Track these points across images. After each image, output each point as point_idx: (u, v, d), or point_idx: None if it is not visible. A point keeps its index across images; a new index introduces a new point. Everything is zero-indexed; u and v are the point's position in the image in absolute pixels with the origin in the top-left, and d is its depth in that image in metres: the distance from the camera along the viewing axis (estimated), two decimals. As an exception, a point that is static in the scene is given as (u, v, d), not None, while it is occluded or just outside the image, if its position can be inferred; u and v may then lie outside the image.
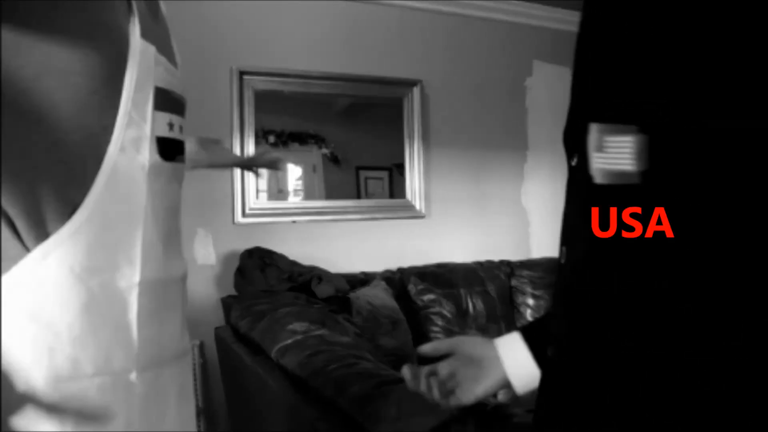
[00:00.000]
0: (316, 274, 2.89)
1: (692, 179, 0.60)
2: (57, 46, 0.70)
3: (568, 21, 4.09)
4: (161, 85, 0.81)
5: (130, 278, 0.78)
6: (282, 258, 3.01)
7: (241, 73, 3.26)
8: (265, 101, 3.35)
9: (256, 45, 3.32)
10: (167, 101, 0.83)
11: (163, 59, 0.81)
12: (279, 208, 3.40)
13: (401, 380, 1.70)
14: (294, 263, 3.01)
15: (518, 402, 2.61)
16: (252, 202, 3.30)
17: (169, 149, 0.83)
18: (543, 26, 4.09)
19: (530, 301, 3.63)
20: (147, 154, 0.78)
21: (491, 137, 3.97)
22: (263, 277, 2.82)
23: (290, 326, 2.13)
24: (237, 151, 3.24)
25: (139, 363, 0.79)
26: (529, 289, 3.64)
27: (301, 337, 2.05)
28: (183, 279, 0.92)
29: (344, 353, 1.87)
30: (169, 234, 0.86)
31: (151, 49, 0.79)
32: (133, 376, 0.78)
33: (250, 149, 3.29)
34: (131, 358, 0.78)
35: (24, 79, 0.69)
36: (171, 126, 0.84)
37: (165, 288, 0.85)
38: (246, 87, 3.28)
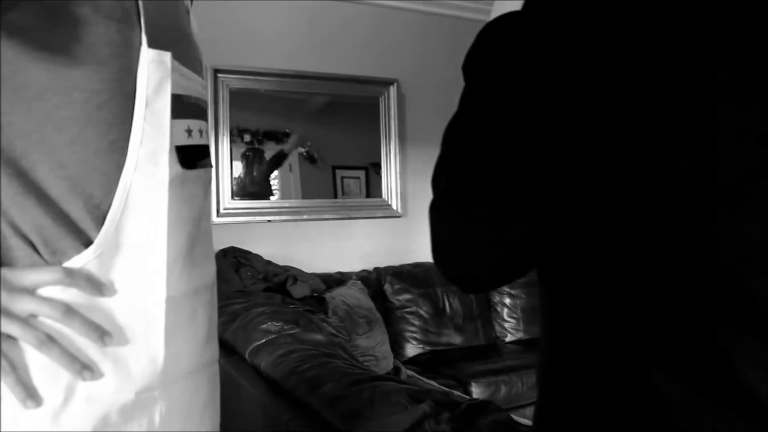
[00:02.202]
0: (291, 274, 2.87)
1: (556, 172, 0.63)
2: (57, 64, 0.68)
3: (544, 20, 4.10)
4: (177, 91, 0.78)
5: (156, 295, 0.76)
6: (257, 258, 2.98)
7: (216, 72, 3.24)
8: (240, 100, 3.32)
9: (231, 43, 3.29)
10: (183, 107, 0.80)
11: (177, 64, 0.78)
12: (254, 208, 3.37)
13: (375, 378, 1.70)
14: (269, 263, 2.99)
15: (493, 400, 2.62)
16: (227, 202, 3.27)
17: (190, 156, 0.81)
18: (519, 26, 4.10)
19: (507, 300, 3.64)
20: (167, 166, 0.75)
21: (468, 136, 3.97)
22: (238, 278, 2.80)
23: (263, 326, 2.10)
24: (212, 149, 3.21)
25: (163, 380, 0.77)
26: (506, 288, 3.64)
27: (274, 336, 2.03)
28: (211, 285, 0.90)
29: (317, 352, 1.86)
30: (196, 242, 0.84)
31: (166, 56, 0.76)
32: (156, 393, 0.77)
33: (225, 148, 3.26)
34: (156, 376, 0.76)
35: (26, 98, 0.68)
36: (189, 132, 0.81)
37: (192, 298, 0.83)
38: (221, 85, 3.26)
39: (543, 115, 0.63)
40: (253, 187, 3.41)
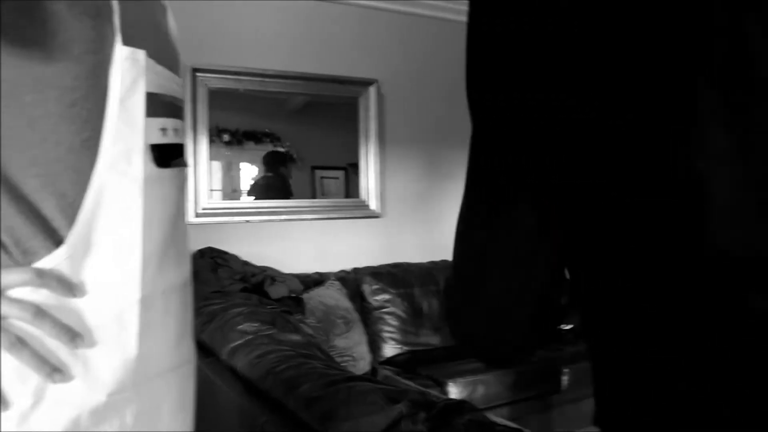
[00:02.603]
0: (268, 275, 2.86)
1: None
2: (31, 60, 0.67)
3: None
4: (151, 89, 0.77)
5: (130, 296, 0.75)
6: (234, 258, 2.97)
7: (195, 71, 3.21)
8: (219, 99, 3.31)
9: (210, 43, 3.27)
10: (158, 106, 0.79)
11: (152, 62, 0.78)
12: (233, 208, 3.36)
13: (352, 379, 1.70)
14: (246, 264, 2.98)
15: (471, 400, 2.62)
16: (205, 202, 3.25)
17: (164, 155, 0.80)
18: (498, 28, 4.11)
19: (485, 301, 3.64)
20: (140, 165, 0.74)
21: (447, 137, 3.98)
22: (215, 278, 2.78)
23: (240, 327, 2.10)
24: (190, 149, 3.19)
25: (135, 381, 0.76)
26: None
27: (251, 337, 2.03)
28: (186, 284, 0.89)
29: (293, 353, 1.86)
30: (171, 241, 0.83)
31: (140, 54, 0.75)
32: (128, 394, 0.76)
33: (204, 148, 3.24)
34: (128, 377, 0.76)
35: None
36: (164, 131, 0.80)
37: (166, 298, 0.82)
38: (199, 85, 3.24)
39: (543, 115, 0.64)
40: (274, 190, 3.54)
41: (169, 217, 0.83)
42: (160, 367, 0.82)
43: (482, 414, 1.61)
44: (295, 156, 3.53)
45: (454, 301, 0.73)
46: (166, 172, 0.81)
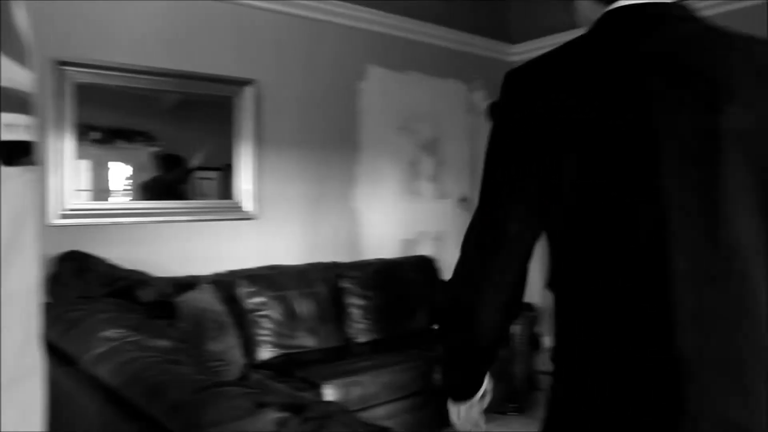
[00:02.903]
0: (137, 279, 2.76)
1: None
2: None
3: (401, 27, 4.22)
4: None
5: None
6: (101, 262, 2.85)
7: (60, 64, 3.05)
8: (87, 95, 3.15)
9: (77, 35, 3.12)
10: (4, 100, 0.75)
11: None
12: (102, 209, 3.21)
13: (220, 384, 1.68)
14: (113, 267, 2.86)
15: (347, 401, 2.64)
16: (71, 202, 3.09)
17: (11, 153, 0.76)
18: (376, 31, 4.18)
19: (359, 302, 3.68)
20: None
21: (325, 138, 4.00)
22: (79, 282, 2.66)
23: (104, 333, 2.02)
24: (55, 147, 3.03)
25: None
26: (358, 290, 3.69)
27: (116, 344, 1.95)
28: (32, 290, 0.84)
29: (160, 359, 1.81)
30: (16, 243, 0.78)
31: None
32: None
33: (69, 145, 3.08)
34: None
35: None
36: (10, 127, 0.76)
37: (9, 304, 0.77)
38: (65, 79, 3.07)
39: (542, 114, 0.65)
40: (164, 191, 3.49)
41: (15, 218, 0.79)
42: (1, 379, 0.78)
43: (352, 415, 1.64)
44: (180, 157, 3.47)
45: (455, 298, 0.82)
46: (12, 171, 0.77)
